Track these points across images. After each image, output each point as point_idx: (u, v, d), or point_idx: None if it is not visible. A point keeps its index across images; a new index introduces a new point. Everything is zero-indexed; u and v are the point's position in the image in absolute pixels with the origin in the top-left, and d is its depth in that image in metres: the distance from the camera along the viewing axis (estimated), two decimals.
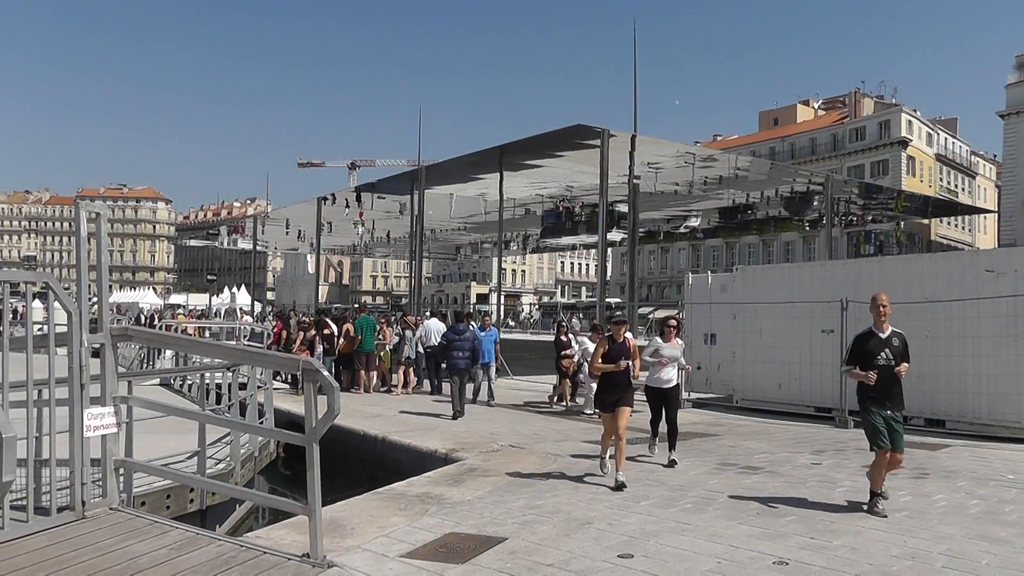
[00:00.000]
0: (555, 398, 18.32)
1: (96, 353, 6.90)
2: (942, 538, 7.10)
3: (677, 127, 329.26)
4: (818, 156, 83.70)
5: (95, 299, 7.68)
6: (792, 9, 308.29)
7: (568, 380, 17.84)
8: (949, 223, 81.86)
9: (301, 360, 5.96)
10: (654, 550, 6.67)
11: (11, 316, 6.84)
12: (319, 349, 19.88)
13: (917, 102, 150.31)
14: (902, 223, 60.18)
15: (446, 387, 20.18)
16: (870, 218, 45.51)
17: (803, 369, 16.00)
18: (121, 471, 7.35)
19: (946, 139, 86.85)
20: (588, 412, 15.94)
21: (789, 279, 17.32)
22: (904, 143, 78.55)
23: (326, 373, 5.80)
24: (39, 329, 7.38)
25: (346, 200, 36.47)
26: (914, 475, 10.13)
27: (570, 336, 18.39)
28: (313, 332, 20.41)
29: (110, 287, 7.93)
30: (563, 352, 17.77)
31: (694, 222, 40.46)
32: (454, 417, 15.65)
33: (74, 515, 6.51)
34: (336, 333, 20.43)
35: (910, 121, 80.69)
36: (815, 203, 35.52)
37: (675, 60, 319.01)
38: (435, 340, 20.55)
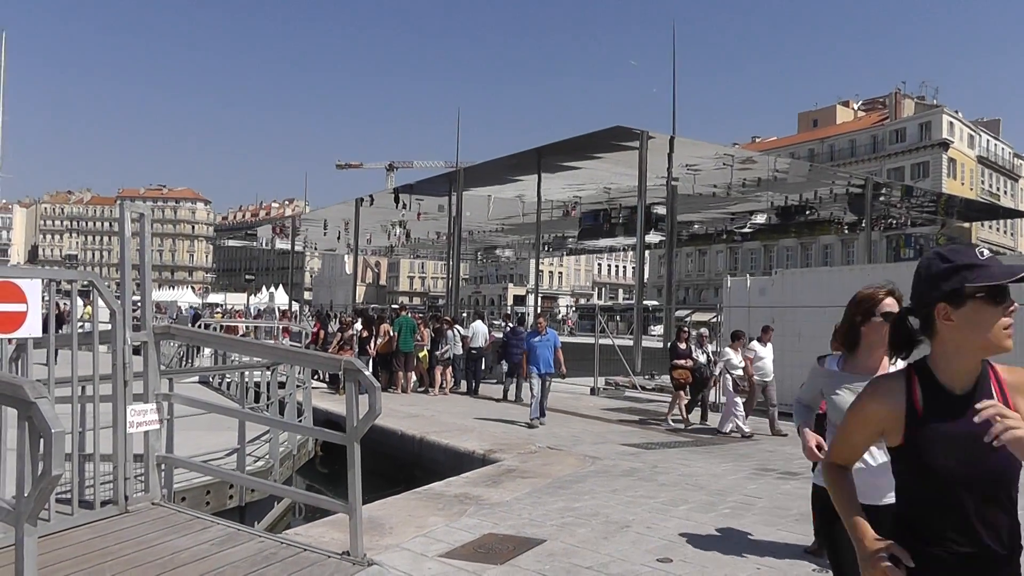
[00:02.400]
0: (687, 416, 15.49)
1: (137, 350, 6.98)
2: None
3: (715, 129, 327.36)
4: (857, 158, 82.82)
5: (138, 298, 7.77)
6: (832, 9, 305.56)
7: (683, 394, 15.43)
8: (991, 227, 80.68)
9: (343, 360, 5.99)
10: (693, 555, 6.62)
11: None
12: (355, 349, 20.03)
13: (959, 103, 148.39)
14: (944, 226, 59.33)
15: (483, 388, 20.37)
16: (910, 221, 45.02)
17: None
18: (163, 467, 7.43)
19: (988, 141, 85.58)
20: (729, 432, 14.14)
21: (829, 283, 17.16)
22: (945, 145, 77.48)
23: (368, 373, 5.83)
24: (81, 327, 7.49)
25: (402, 202, 36.76)
26: None
27: (692, 344, 15.76)
28: (351, 332, 20.53)
29: None
30: (676, 360, 15.30)
31: (760, 219, 40.06)
32: (503, 398, 19.04)
33: (117, 509, 6.60)
34: (374, 334, 20.53)
35: (951, 122, 79.62)
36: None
37: (713, 61, 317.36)
38: (481, 342, 20.67)
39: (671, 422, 15.16)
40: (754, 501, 8.75)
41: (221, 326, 29.88)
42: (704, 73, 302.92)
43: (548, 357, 15.21)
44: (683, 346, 15.44)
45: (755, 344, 14.63)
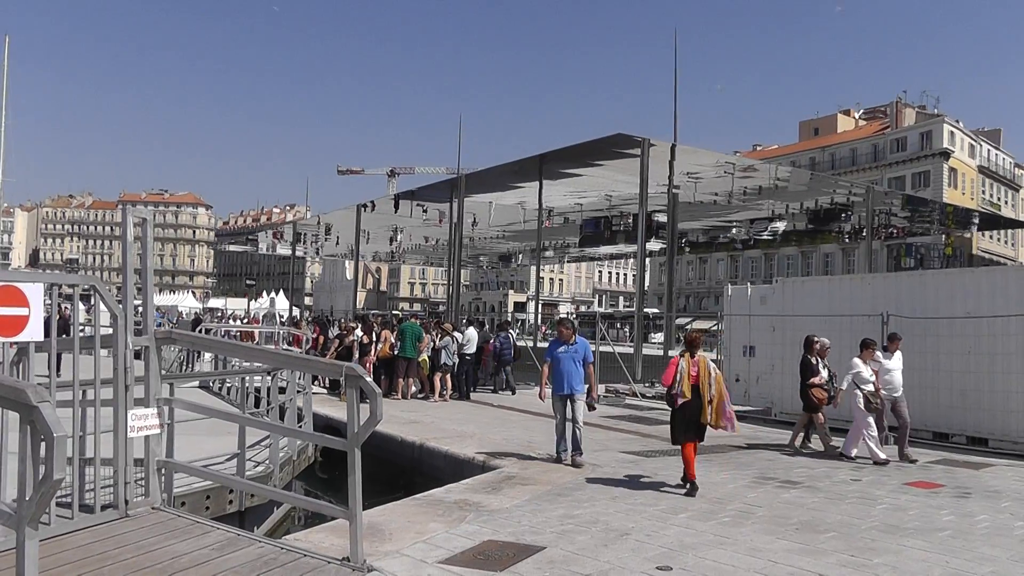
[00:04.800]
0: (799, 439, 13.66)
1: (138, 355, 6.99)
2: (985, 559, 6.97)
3: (716, 137, 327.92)
4: (858, 167, 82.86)
5: (140, 302, 7.79)
6: (833, 18, 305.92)
7: (821, 416, 13.28)
8: (991, 236, 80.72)
9: (344, 366, 5.99)
10: (693, 563, 6.62)
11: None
12: (356, 355, 20.04)
13: (960, 113, 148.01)
14: (950, 236, 59.38)
15: (481, 395, 20.36)
16: (911, 230, 45.09)
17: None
18: (163, 471, 7.43)
19: (989, 151, 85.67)
20: (855, 456, 12.45)
21: (829, 292, 17.16)
22: (946, 154, 77.55)
23: (369, 379, 5.84)
24: (81, 330, 7.50)
25: (413, 207, 36.78)
26: (956, 494, 9.98)
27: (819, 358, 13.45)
28: (351, 338, 20.53)
29: None
30: (812, 380, 13.18)
31: (779, 225, 39.74)
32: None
33: (117, 513, 6.60)
34: (374, 340, 20.52)
35: (952, 132, 79.66)
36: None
37: (715, 70, 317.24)
38: (473, 348, 20.70)
39: (798, 446, 13.48)
40: (754, 510, 8.74)
41: (227, 332, 29.70)
42: (706, 81, 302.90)
43: (575, 373, 11.54)
44: (814, 360, 13.30)
45: (880, 354, 12.87)
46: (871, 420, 12.28)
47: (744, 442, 14.04)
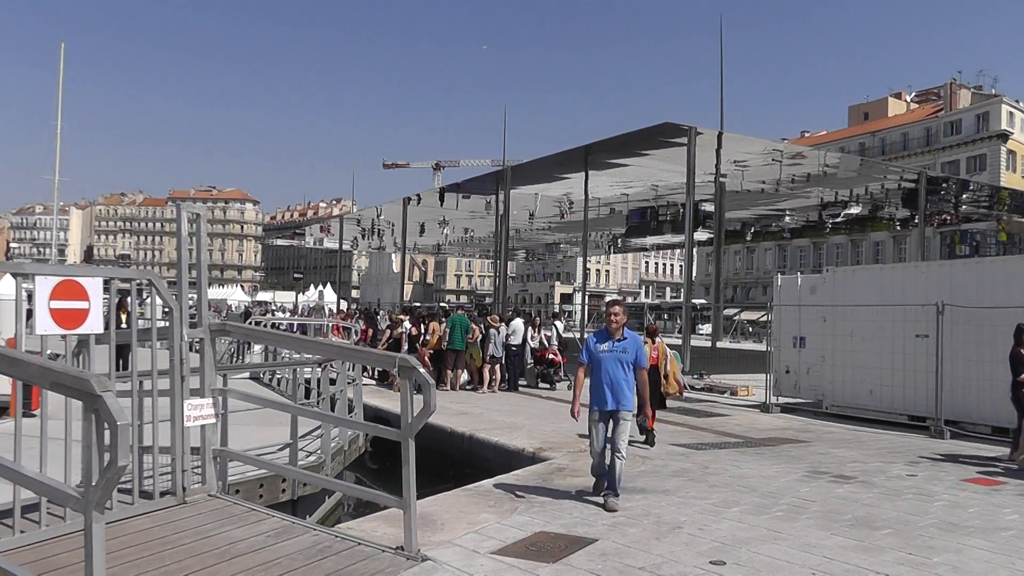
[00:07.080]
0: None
1: (192, 346, 7.13)
2: None
3: (763, 124, 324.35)
4: (910, 151, 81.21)
5: (194, 296, 7.92)
6: None
7: None
8: None
9: (398, 357, 6.04)
10: (746, 558, 6.56)
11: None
12: (405, 346, 20.19)
13: (1020, 92, 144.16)
14: (1002, 221, 57.95)
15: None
16: (965, 216, 44.10)
17: (896, 375, 15.55)
18: (217, 460, 7.56)
19: None
20: None
21: (881, 281, 16.85)
22: (1004, 136, 75.43)
23: (423, 370, 5.88)
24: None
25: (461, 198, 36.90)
26: (1019, 492, 9.73)
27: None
28: (400, 330, 20.66)
29: None
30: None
31: (854, 210, 38.93)
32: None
33: (175, 500, 6.77)
34: (423, 331, 20.63)
35: (1011, 112, 77.33)
36: None
37: (762, 55, 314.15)
38: (519, 340, 20.73)
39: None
40: (807, 504, 8.64)
41: (283, 325, 30.00)
42: (753, 67, 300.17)
43: (622, 380, 8.49)
44: None
45: None
46: None
47: (934, 454, 12.50)
